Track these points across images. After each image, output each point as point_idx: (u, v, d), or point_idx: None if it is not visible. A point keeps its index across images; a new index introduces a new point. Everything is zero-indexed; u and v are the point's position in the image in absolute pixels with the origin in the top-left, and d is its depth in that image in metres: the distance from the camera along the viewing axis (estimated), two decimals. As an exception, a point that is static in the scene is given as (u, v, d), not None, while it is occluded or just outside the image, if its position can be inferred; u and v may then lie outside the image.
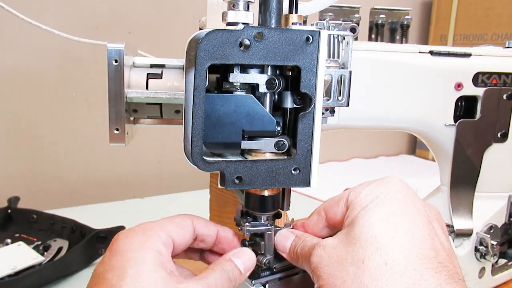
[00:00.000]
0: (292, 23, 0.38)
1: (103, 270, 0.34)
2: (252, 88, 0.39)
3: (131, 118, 0.48)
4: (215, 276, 0.36)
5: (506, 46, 0.61)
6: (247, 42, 0.35)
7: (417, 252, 0.33)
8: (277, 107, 0.40)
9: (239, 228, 0.43)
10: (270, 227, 0.42)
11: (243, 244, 0.43)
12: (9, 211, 0.84)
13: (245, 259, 0.40)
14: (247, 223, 0.42)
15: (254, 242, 0.43)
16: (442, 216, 0.39)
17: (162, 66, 0.47)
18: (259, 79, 0.37)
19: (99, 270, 0.35)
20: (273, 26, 0.37)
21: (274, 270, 0.44)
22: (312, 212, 0.43)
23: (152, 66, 0.47)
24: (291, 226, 0.44)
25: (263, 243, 0.42)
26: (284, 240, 0.42)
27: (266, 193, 0.41)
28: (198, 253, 0.44)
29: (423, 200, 0.38)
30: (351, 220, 0.36)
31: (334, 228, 0.41)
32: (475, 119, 0.57)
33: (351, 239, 0.34)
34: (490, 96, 0.56)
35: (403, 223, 0.34)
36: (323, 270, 0.35)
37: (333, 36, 0.42)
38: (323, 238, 0.41)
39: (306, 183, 0.39)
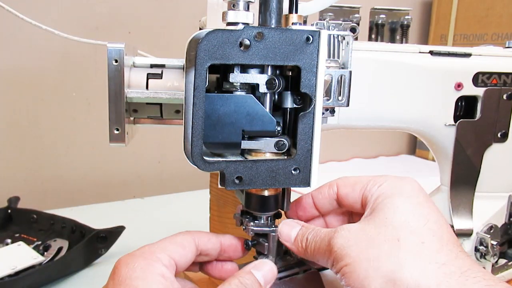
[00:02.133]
0: (292, 23, 0.38)
1: None
2: (252, 88, 0.39)
3: (131, 118, 0.48)
4: None
5: (506, 46, 0.61)
6: (247, 42, 0.35)
7: (449, 237, 0.35)
8: (277, 107, 0.40)
9: (243, 228, 0.43)
10: (275, 228, 0.42)
11: (245, 244, 0.43)
12: (9, 211, 0.84)
13: (265, 271, 0.38)
14: (251, 223, 0.42)
15: (257, 242, 0.43)
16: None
17: (162, 66, 0.47)
18: (259, 79, 0.37)
19: None
20: (273, 26, 0.37)
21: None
22: (323, 185, 0.43)
23: (152, 66, 0.47)
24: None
25: (266, 244, 0.42)
26: (289, 229, 0.41)
27: (266, 193, 0.41)
28: (198, 265, 0.43)
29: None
30: (377, 207, 0.37)
31: (340, 206, 0.42)
32: (475, 119, 0.57)
33: (381, 222, 0.35)
34: (490, 96, 0.56)
35: (432, 214, 0.36)
36: (350, 249, 0.35)
37: (333, 36, 0.42)
38: (326, 213, 0.43)
39: (306, 183, 0.39)
